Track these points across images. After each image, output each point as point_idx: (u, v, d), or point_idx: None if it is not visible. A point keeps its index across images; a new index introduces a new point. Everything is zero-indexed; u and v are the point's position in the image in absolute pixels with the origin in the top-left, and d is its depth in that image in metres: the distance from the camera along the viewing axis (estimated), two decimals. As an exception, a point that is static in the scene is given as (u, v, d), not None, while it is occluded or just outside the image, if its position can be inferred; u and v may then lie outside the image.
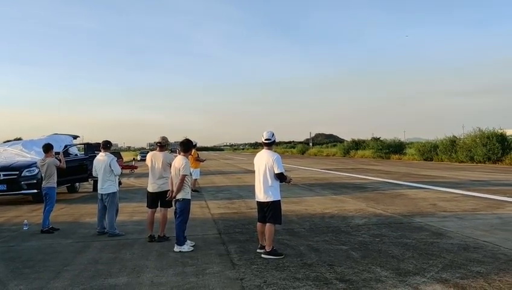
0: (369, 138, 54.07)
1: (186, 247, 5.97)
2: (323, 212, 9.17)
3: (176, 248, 5.94)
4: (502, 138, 27.67)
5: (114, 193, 7.31)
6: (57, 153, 8.65)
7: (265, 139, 5.70)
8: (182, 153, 6.24)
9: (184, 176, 5.97)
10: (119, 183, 8.77)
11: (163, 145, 6.89)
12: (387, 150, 41.45)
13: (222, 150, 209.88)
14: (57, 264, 5.44)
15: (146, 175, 7.37)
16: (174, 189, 6.05)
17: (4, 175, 11.53)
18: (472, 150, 28.41)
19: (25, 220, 8.16)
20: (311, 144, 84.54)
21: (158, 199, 6.74)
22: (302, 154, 68.68)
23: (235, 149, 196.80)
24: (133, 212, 9.71)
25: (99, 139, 8.10)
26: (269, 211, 5.55)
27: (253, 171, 5.91)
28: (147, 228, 6.83)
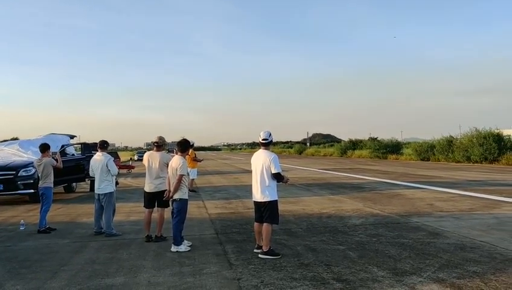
0: (367, 138, 54.21)
1: (183, 247, 5.96)
2: (321, 212, 9.18)
3: (173, 248, 5.94)
4: (498, 138, 27.79)
5: (111, 192, 7.30)
6: (54, 153, 8.63)
7: (263, 139, 5.71)
8: (179, 153, 6.24)
9: (181, 176, 5.97)
10: (116, 183, 8.75)
11: (160, 145, 6.89)
12: (384, 150, 41.55)
13: (220, 149, 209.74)
14: (54, 264, 5.43)
15: (143, 175, 7.36)
16: (171, 189, 6.05)
17: (0, 175, 11.48)
18: (469, 150, 28.51)
19: (22, 220, 8.14)
20: (308, 144, 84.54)
21: (155, 199, 6.73)
22: (300, 154, 68.74)
23: (233, 149, 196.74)
24: (130, 212, 9.70)
25: (97, 138, 8.08)
26: (266, 211, 5.55)
27: (251, 171, 5.91)
28: (144, 228, 6.83)
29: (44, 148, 7.90)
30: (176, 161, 6.08)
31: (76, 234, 7.37)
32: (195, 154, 14.24)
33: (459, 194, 11.73)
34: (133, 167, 28.31)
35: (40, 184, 7.75)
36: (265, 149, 5.73)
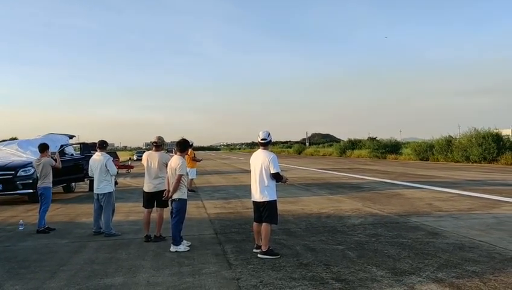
0: (366, 138, 54.23)
1: (183, 247, 5.96)
2: (320, 212, 9.18)
3: (172, 248, 5.94)
4: (497, 137, 27.81)
5: (110, 192, 7.29)
6: (53, 153, 8.62)
7: (262, 139, 5.71)
8: (178, 153, 6.24)
9: (180, 175, 5.96)
10: (115, 183, 8.74)
11: (159, 145, 6.88)
12: (383, 150, 41.56)
13: (219, 149, 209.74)
14: (53, 264, 5.42)
15: (142, 175, 7.36)
16: (171, 189, 6.05)
17: (-1, 175, 11.47)
18: (468, 150, 28.53)
19: (21, 220, 8.13)
20: (307, 143, 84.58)
21: (154, 199, 6.72)
22: (299, 154, 68.75)
23: (232, 149, 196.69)
24: (129, 212, 9.70)
25: (97, 138, 8.07)
26: (265, 211, 5.55)
27: (250, 171, 5.91)
28: (143, 228, 6.82)
29: (43, 148, 7.90)
30: (175, 160, 6.08)
31: (75, 234, 7.37)
32: (194, 154, 14.24)
33: (458, 194, 11.74)
34: (132, 167, 28.30)
35: (39, 184, 7.74)
36: (264, 149, 5.73)
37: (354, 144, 52.40)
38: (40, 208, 7.64)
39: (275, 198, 5.65)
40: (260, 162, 5.62)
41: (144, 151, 13.64)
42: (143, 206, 6.90)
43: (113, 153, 26.07)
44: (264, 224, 5.55)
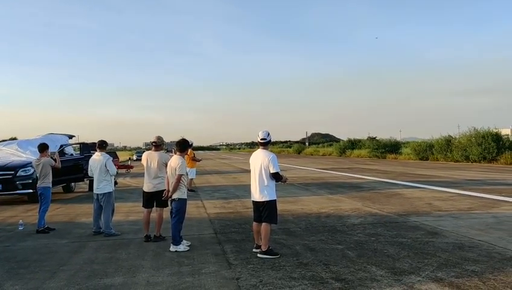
0: (365, 138, 54.22)
1: (182, 247, 5.97)
2: (319, 211, 9.19)
3: (172, 248, 5.94)
4: (497, 137, 27.83)
5: (110, 192, 7.29)
6: (53, 153, 8.62)
7: (261, 139, 5.71)
8: (178, 153, 6.24)
9: (180, 175, 5.97)
10: (115, 183, 8.74)
11: (158, 144, 6.88)
12: (383, 150, 41.57)
13: (218, 149, 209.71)
14: (53, 264, 5.42)
15: (142, 175, 7.36)
16: (170, 189, 6.05)
17: (-1, 175, 11.47)
18: (467, 150, 28.54)
19: (20, 220, 8.13)
20: (307, 143, 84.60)
21: (154, 199, 6.72)
22: (298, 153, 68.76)
23: (232, 149, 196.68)
24: (128, 212, 9.70)
25: (97, 138, 8.08)
26: (265, 211, 5.55)
27: (249, 171, 5.91)
28: (143, 228, 6.82)
29: (42, 148, 7.89)
30: (175, 160, 6.08)
31: (75, 234, 7.37)
32: (193, 153, 14.24)
33: (457, 193, 11.74)
34: (131, 167, 28.27)
35: (39, 184, 7.74)
36: (264, 149, 5.73)
37: (353, 144, 52.42)
38: (40, 208, 7.64)
39: (275, 198, 5.65)
40: (260, 161, 5.62)
41: (144, 151, 13.64)
42: (143, 206, 6.90)
43: (112, 153, 26.07)
44: (263, 224, 5.55)
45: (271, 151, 5.83)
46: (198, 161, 14.95)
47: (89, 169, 7.51)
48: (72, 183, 15.08)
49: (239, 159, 49.96)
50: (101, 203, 7.25)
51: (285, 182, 5.88)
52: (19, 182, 11.52)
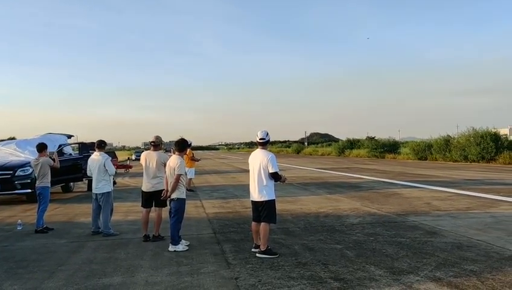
0: (364, 138, 54.25)
1: (181, 246, 5.96)
2: (318, 211, 9.19)
3: (171, 248, 5.94)
4: (495, 137, 27.88)
5: (108, 192, 7.29)
6: (51, 153, 8.61)
7: (260, 139, 5.71)
8: (176, 153, 6.24)
9: (179, 175, 5.96)
10: (114, 182, 8.74)
11: (157, 144, 6.88)
12: (382, 150, 41.64)
13: (217, 149, 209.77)
14: (51, 264, 5.42)
15: (141, 175, 7.36)
16: (169, 188, 6.05)
17: (-2, 175, 11.44)
18: (466, 149, 28.59)
19: (19, 220, 8.11)
20: (306, 143, 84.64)
21: (153, 199, 6.72)
22: (297, 153, 68.80)
23: (231, 148, 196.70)
24: (127, 211, 9.69)
25: (96, 138, 8.09)
26: (264, 210, 5.55)
27: (248, 171, 5.91)
28: (142, 228, 6.82)
29: (41, 147, 7.88)
30: (174, 160, 6.08)
31: (73, 234, 7.36)
32: (192, 153, 14.24)
33: (456, 193, 11.76)
34: (130, 167, 28.26)
35: (37, 184, 7.73)
36: (263, 148, 5.73)
37: (352, 144, 52.46)
38: (38, 208, 7.62)
39: (274, 197, 5.65)
40: (259, 161, 5.62)
41: (143, 151, 13.63)
42: (141, 205, 6.90)
43: (111, 153, 26.02)
44: (262, 223, 5.55)
45: (270, 151, 5.83)
46: (197, 160, 14.95)
47: (87, 169, 7.50)
48: (71, 183, 15.07)
49: (238, 158, 49.95)
50: (100, 203, 7.24)
51: (284, 181, 5.89)
52: (18, 181, 11.50)
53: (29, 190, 11.28)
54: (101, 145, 7.52)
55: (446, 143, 31.59)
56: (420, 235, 6.58)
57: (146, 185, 6.76)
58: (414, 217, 8.10)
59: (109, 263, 5.40)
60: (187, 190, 7.30)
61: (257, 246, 5.67)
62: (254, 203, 5.70)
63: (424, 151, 33.83)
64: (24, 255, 5.91)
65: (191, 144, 13.35)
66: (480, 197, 10.80)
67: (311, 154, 60.00)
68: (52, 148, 11.94)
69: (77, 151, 15.27)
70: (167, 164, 6.25)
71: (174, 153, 6.33)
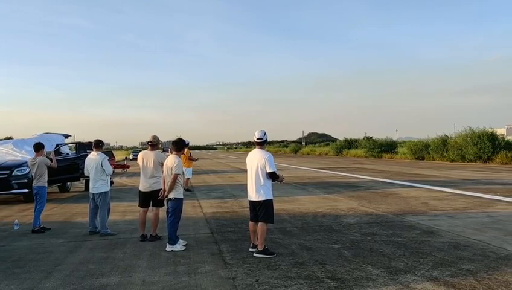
0: (362, 137, 54.31)
1: (179, 246, 5.96)
2: (316, 211, 9.20)
3: (168, 247, 5.93)
4: (492, 137, 27.96)
5: (106, 192, 7.28)
6: (48, 153, 8.59)
7: (257, 139, 5.71)
8: (174, 152, 6.23)
9: (176, 175, 5.96)
10: (111, 182, 8.72)
11: (154, 144, 6.87)
12: (379, 149, 41.68)
13: (215, 149, 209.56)
14: (48, 264, 5.41)
15: (138, 174, 7.35)
16: (166, 188, 6.04)
17: (-6, 174, 11.41)
18: (463, 149, 28.67)
19: (16, 220, 8.09)
20: (304, 143, 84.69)
21: (150, 198, 6.71)
22: (295, 153, 68.84)
23: (228, 148, 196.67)
24: (125, 211, 9.67)
25: (93, 138, 8.06)
26: (261, 210, 5.56)
27: (246, 170, 5.91)
28: (139, 227, 6.81)
29: (38, 147, 7.86)
30: (171, 160, 6.07)
31: (70, 234, 7.35)
32: (190, 153, 14.23)
33: (453, 193, 11.79)
34: (128, 166, 28.23)
35: (34, 183, 7.71)
36: (261, 148, 5.74)
37: (350, 144, 52.49)
38: (35, 208, 7.60)
39: (271, 197, 5.65)
40: (256, 161, 5.62)
41: (140, 151, 13.61)
42: (139, 205, 6.89)
43: (108, 153, 25.97)
44: (260, 223, 5.55)
45: (267, 150, 5.83)
46: (195, 160, 14.94)
47: (85, 168, 7.49)
48: (68, 183, 15.03)
49: (235, 158, 49.94)
50: (97, 203, 7.23)
51: (281, 181, 5.88)
52: (15, 181, 11.46)
53: (26, 190, 11.25)
54: (98, 144, 7.50)
55: (443, 143, 31.66)
56: (417, 234, 6.60)
57: (143, 185, 6.75)
58: (411, 217, 8.12)
59: (106, 263, 5.39)
60: (184, 189, 7.30)
61: (254, 246, 5.67)
62: (252, 202, 5.70)
63: (422, 151, 33.89)
64: (21, 255, 5.90)
65: (188, 143, 13.34)
66: (477, 197, 10.83)
67: (308, 154, 60.04)
68: (49, 148, 11.92)
69: (74, 151, 15.24)
70: (164, 164, 6.25)
71: (171, 153, 6.33)
